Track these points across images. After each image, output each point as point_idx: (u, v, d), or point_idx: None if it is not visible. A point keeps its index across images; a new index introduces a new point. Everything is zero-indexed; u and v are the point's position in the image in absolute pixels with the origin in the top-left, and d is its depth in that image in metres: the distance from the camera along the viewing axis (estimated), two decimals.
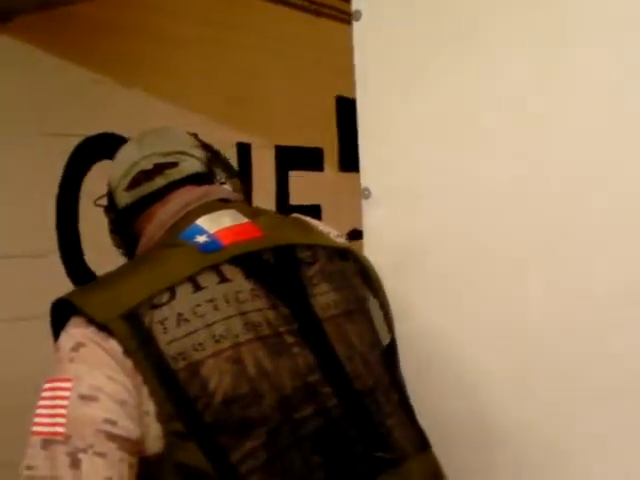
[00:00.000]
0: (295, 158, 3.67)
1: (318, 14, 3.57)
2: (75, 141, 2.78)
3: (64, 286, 2.68)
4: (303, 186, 3.68)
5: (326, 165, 3.83)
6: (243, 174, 3.31)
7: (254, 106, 3.37)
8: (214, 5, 3.20)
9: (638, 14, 1.32)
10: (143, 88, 2.96)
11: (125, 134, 2.81)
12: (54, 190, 2.72)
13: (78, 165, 2.78)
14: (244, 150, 3.38)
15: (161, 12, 3.01)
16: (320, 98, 3.67)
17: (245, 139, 3.38)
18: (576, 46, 1.38)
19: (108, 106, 2.86)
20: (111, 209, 1.51)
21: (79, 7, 2.63)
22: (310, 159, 3.77)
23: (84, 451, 1.09)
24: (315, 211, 3.56)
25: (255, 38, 3.36)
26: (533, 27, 1.42)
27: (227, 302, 1.21)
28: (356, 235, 1.65)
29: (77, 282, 2.75)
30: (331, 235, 1.49)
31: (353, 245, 1.52)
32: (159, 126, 1.57)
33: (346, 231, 1.59)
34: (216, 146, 1.57)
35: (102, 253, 2.69)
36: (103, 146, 2.82)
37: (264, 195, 3.38)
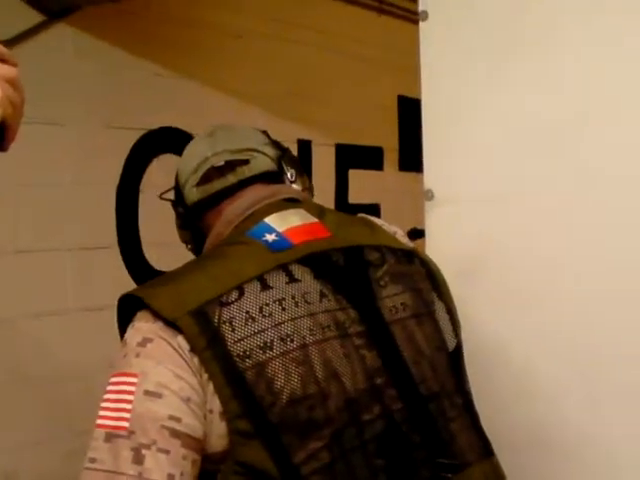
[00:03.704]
0: (355, 156, 3.67)
1: (381, 12, 3.56)
2: (137, 135, 2.82)
3: (125, 278, 2.73)
4: (362, 185, 3.67)
5: (386, 164, 3.82)
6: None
7: (315, 103, 3.37)
8: (277, 1, 3.21)
9: None
10: (205, 82, 2.98)
11: (186, 128, 2.84)
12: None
13: (139, 159, 2.82)
14: (305, 147, 3.39)
15: (225, 7, 3.03)
16: (381, 97, 3.66)
17: (306, 136, 3.39)
18: None
19: (170, 100, 2.88)
20: (179, 204, 1.50)
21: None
22: (370, 158, 3.76)
23: (147, 447, 1.09)
24: (374, 210, 3.55)
25: (317, 35, 3.37)
26: (612, 26, 1.38)
27: (295, 302, 1.20)
28: (416, 234, 1.63)
29: (135, 274, 2.78)
30: (397, 235, 1.48)
31: (415, 245, 1.51)
32: (228, 122, 1.57)
33: (406, 231, 1.58)
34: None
35: (160, 246, 2.74)
36: (164, 140, 2.85)
37: (323, 193, 3.37)
